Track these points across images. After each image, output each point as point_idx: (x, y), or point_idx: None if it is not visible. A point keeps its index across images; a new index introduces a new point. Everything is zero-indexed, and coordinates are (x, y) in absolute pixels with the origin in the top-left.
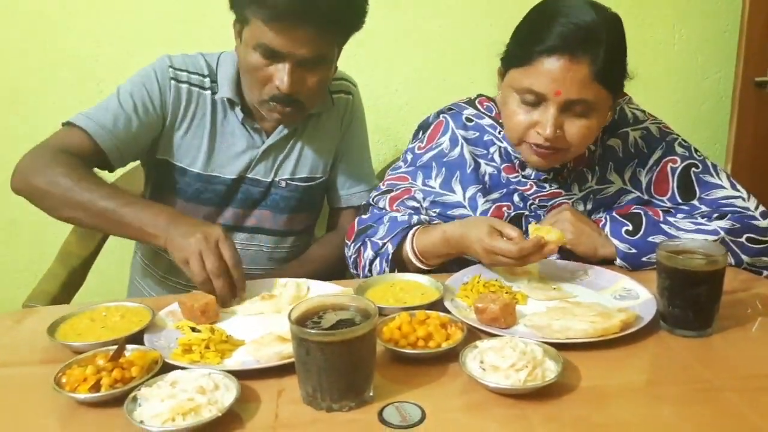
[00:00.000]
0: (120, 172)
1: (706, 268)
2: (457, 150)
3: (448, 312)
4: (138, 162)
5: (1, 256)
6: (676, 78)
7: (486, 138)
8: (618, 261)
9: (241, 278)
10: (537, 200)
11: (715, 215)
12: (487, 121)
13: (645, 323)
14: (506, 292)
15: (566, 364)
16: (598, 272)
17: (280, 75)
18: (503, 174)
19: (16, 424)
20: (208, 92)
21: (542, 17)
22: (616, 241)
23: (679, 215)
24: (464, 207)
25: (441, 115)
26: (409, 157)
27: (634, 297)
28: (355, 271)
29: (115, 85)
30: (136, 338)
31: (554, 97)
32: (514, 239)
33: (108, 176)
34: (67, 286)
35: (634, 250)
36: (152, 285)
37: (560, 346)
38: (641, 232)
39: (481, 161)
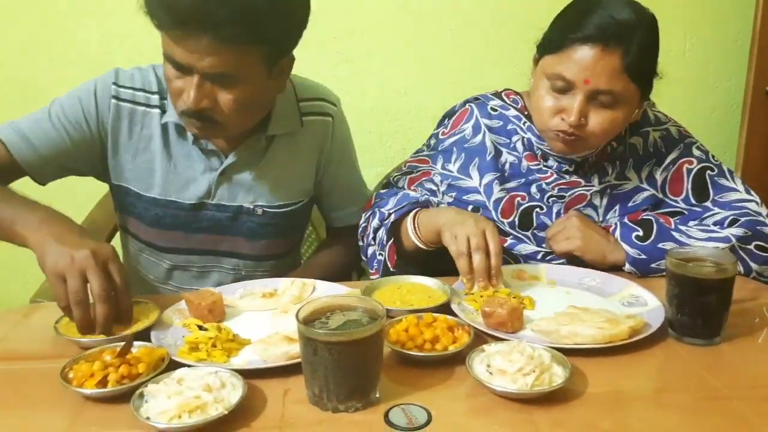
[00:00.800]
0: (97, 196)
1: (715, 276)
2: (479, 137)
3: (455, 315)
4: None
5: (9, 253)
6: (687, 86)
7: (509, 127)
8: (627, 266)
9: (129, 307)
10: (556, 189)
11: (728, 221)
12: (512, 112)
13: (653, 330)
14: (513, 297)
15: (573, 369)
16: (606, 278)
17: (187, 89)
18: (524, 163)
19: (24, 418)
20: (156, 110)
21: (582, 7)
22: (626, 246)
23: (691, 223)
24: (479, 193)
25: (467, 104)
26: (432, 141)
27: (642, 304)
28: (360, 243)
29: None
30: (143, 335)
31: (583, 85)
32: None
33: (87, 199)
34: None
35: (643, 256)
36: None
37: (568, 352)
38: (652, 238)
39: (503, 150)
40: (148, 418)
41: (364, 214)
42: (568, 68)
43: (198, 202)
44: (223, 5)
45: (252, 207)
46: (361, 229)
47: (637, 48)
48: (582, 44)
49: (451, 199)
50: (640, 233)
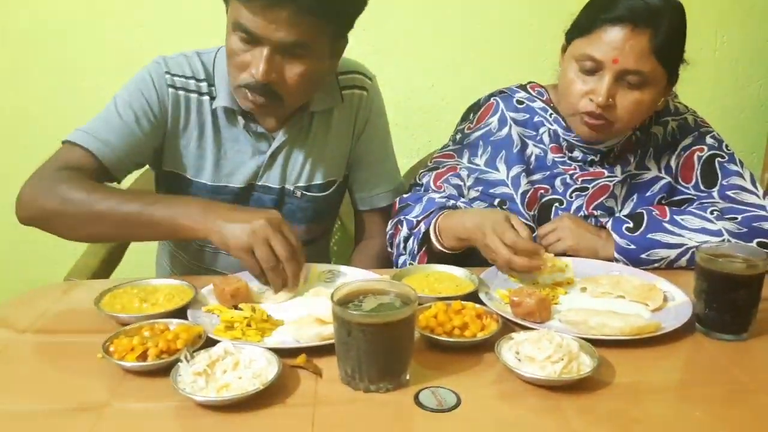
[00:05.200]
0: (130, 179)
1: (745, 272)
2: (505, 130)
3: (482, 304)
4: (146, 168)
5: (41, 233)
6: (716, 85)
7: (536, 119)
8: (616, 255)
9: (302, 264)
10: (580, 180)
11: (726, 216)
12: (538, 104)
13: (680, 325)
14: (545, 288)
15: (601, 360)
16: (633, 273)
17: (256, 61)
18: (549, 155)
19: (66, 389)
20: (206, 98)
21: None
22: (615, 236)
23: (687, 216)
24: (507, 186)
25: (492, 98)
26: (458, 137)
27: (670, 299)
28: (390, 249)
29: None
30: (180, 313)
31: (611, 65)
32: (519, 239)
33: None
34: (106, 262)
35: (632, 246)
36: (179, 270)
37: (595, 343)
38: (641, 229)
39: (529, 142)
40: (187, 391)
41: (390, 221)
42: (598, 48)
43: (246, 185)
44: None
45: (293, 189)
46: (389, 236)
47: (666, 31)
48: (612, 25)
49: (477, 194)
50: (631, 225)
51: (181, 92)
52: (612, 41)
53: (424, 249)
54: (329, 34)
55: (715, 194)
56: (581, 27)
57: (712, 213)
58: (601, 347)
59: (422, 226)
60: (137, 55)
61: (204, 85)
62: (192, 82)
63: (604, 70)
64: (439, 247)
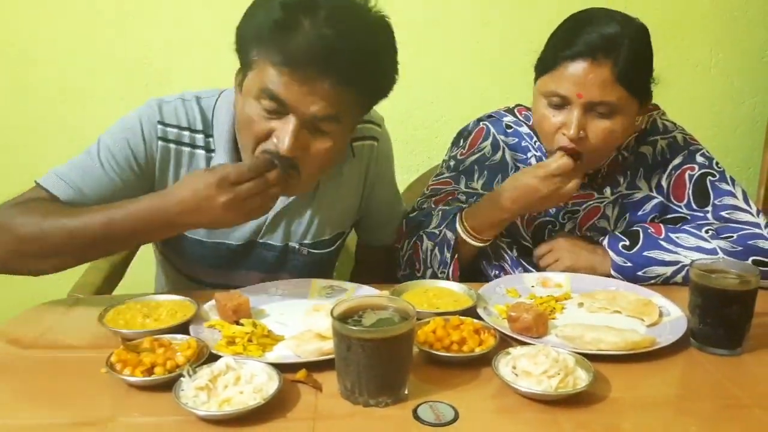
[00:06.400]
0: None
1: (738, 288)
2: (499, 154)
3: (480, 319)
4: None
5: None
6: (712, 101)
7: (524, 144)
8: (613, 272)
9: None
10: (570, 203)
11: (722, 236)
12: (524, 129)
13: (675, 340)
14: (542, 303)
15: (597, 374)
16: (629, 288)
17: (282, 133)
18: None
19: (70, 403)
20: (202, 151)
21: (569, 28)
22: (612, 254)
23: (682, 234)
24: None
25: (481, 123)
26: (452, 163)
27: (665, 314)
28: (407, 270)
29: (162, 90)
30: (182, 329)
31: (577, 99)
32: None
33: None
34: (109, 278)
35: (629, 264)
36: (174, 288)
37: (591, 358)
38: (637, 247)
39: (520, 166)
40: (189, 406)
41: (404, 242)
42: (561, 85)
43: (246, 241)
44: (347, 47)
45: (298, 246)
46: (407, 256)
47: (627, 57)
48: (572, 60)
49: None
50: (627, 243)
51: (172, 145)
52: (573, 76)
53: (456, 257)
54: (362, 107)
55: (709, 216)
56: (545, 64)
57: (707, 232)
58: (596, 362)
59: (447, 234)
60: (144, 80)
61: (200, 137)
62: (186, 134)
63: (572, 105)
64: (473, 243)
